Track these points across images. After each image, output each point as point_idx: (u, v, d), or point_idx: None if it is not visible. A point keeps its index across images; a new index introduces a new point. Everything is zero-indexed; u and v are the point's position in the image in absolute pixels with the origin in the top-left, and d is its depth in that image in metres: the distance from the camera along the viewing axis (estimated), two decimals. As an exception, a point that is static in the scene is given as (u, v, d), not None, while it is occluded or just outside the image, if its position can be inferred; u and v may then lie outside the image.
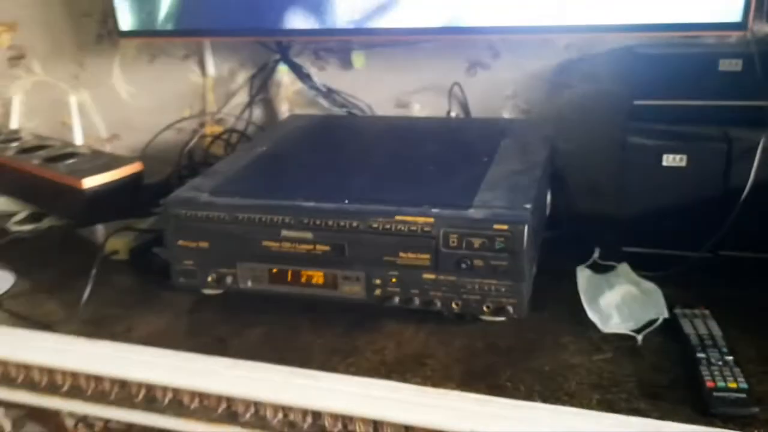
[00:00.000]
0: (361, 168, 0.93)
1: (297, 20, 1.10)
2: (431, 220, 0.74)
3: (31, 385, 0.91)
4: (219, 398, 0.81)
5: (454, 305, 0.77)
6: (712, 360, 0.72)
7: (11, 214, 1.22)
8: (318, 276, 0.80)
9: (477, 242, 0.73)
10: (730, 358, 0.72)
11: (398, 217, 0.75)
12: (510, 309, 0.75)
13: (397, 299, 0.78)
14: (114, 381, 0.86)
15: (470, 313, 0.77)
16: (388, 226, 0.75)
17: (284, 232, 0.78)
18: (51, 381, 0.89)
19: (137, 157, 1.21)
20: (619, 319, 0.82)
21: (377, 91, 1.22)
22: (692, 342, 0.75)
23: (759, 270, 0.88)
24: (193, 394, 0.82)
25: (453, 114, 1.16)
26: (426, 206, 0.75)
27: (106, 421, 0.91)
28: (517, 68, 1.13)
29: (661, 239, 0.92)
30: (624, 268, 0.90)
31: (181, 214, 0.82)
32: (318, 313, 0.85)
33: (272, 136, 1.09)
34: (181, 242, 0.83)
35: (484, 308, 0.76)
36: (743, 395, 0.67)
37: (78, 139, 1.39)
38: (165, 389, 0.83)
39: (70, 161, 1.12)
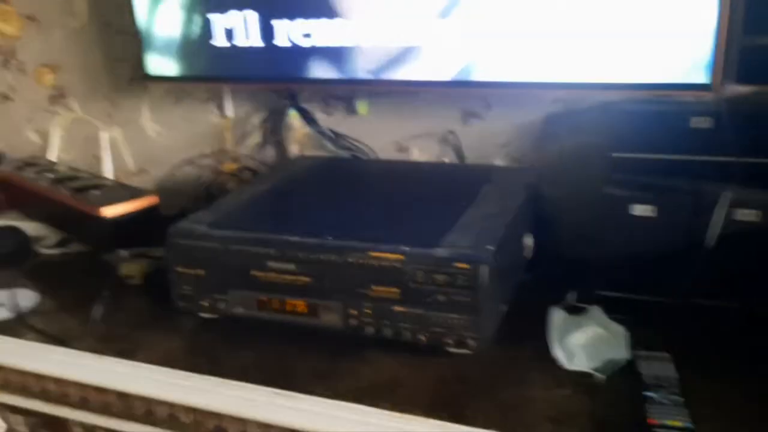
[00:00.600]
0: (350, 207, 1.01)
1: (307, 70, 1.20)
2: (401, 257, 0.81)
3: (45, 396, 1.00)
4: (210, 414, 0.88)
5: (422, 337, 0.83)
6: (661, 399, 0.77)
7: (41, 239, 1.33)
8: (301, 305, 0.88)
9: (441, 279, 0.80)
10: (680, 399, 0.77)
11: (372, 253, 0.82)
12: (471, 342, 0.81)
13: (371, 329, 0.85)
14: (118, 395, 0.94)
15: (436, 344, 0.83)
16: (362, 261, 0.83)
17: (270, 263, 0.86)
18: (62, 392, 0.98)
19: (157, 190, 1.31)
20: (584, 357, 0.87)
21: (379, 136, 1.30)
22: (645, 381, 0.80)
23: (723, 317, 0.92)
24: (188, 410, 0.89)
25: (446, 160, 1.24)
26: (398, 244, 0.83)
27: (111, 432, 0.98)
28: (508, 119, 1.20)
29: (633, 284, 0.97)
30: (595, 310, 0.95)
31: (181, 243, 0.91)
32: (304, 339, 0.92)
33: (277, 175, 1.18)
34: (180, 268, 0.92)
35: (448, 341, 0.82)
36: (684, 433, 0.72)
37: (108, 172, 1.50)
38: (163, 404, 0.91)
39: (96, 192, 1.23)
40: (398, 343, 0.87)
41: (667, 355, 0.85)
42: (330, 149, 1.33)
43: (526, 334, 0.91)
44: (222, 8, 1.22)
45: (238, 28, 1.21)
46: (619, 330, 0.90)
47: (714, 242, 0.91)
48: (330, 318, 0.86)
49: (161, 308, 1.03)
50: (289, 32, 1.18)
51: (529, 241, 1.04)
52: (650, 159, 1.00)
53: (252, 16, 1.19)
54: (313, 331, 0.90)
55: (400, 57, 1.13)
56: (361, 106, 1.30)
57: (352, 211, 0.98)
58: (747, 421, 0.75)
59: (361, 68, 1.16)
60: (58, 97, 1.56)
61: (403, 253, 0.82)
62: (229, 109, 1.41)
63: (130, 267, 1.15)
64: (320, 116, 1.33)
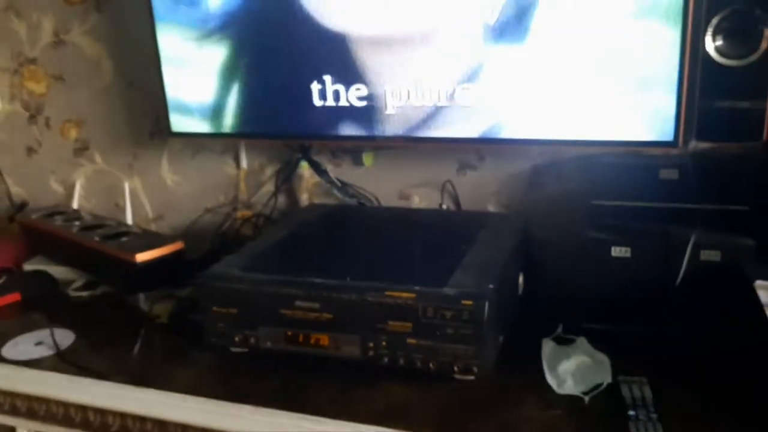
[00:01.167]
0: (363, 251, 1.13)
1: (317, 127, 1.33)
2: (413, 295, 0.94)
3: (86, 425, 1.09)
4: (241, 438, 0.98)
5: (431, 365, 0.95)
6: (640, 417, 0.89)
7: (69, 282, 1.43)
8: (324, 338, 0.99)
9: (449, 314, 0.92)
10: (655, 416, 0.89)
11: (387, 293, 0.94)
12: (475, 369, 0.93)
13: (386, 359, 0.97)
14: (155, 422, 1.04)
15: (444, 372, 0.95)
16: (379, 299, 0.95)
17: (297, 302, 0.98)
18: (103, 422, 1.08)
19: (179, 236, 1.42)
20: (572, 383, 0.98)
21: (383, 185, 1.43)
22: (627, 402, 0.92)
23: (692, 344, 1.03)
24: (220, 435, 1.00)
25: (444, 206, 1.37)
26: (410, 284, 0.95)
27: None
28: (499, 170, 1.34)
29: (613, 317, 1.09)
30: (581, 341, 1.06)
31: (217, 285, 1.02)
32: (324, 369, 1.02)
33: (293, 221, 1.31)
34: (215, 308, 1.03)
35: (455, 368, 0.94)
36: (661, 445, 0.84)
37: (129, 219, 1.62)
38: (197, 429, 1.01)
39: (125, 239, 1.34)
40: (409, 372, 0.97)
41: (645, 379, 0.96)
42: (337, 197, 1.46)
43: (522, 363, 1.02)
44: (247, 73, 1.35)
45: (260, 90, 1.35)
46: (603, 358, 1.01)
47: (682, 279, 1.05)
48: (350, 350, 0.98)
49: (188, 344, 1.13)
50: (309, 93, 1.31)
51: (521, 279, 1.17)
52: (625, 206, 1.13)
53: (274, 80, 1.33)
54: (332, 362, 1.01)
55: (406, 117, 1.27)
56: (367, 158, 1.43)
57: (365, 255, 1.10)
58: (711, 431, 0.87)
59: (369, 125, 1.29)
60: (81, 149, 1.68)
61: (415, 292, 0.94)
62: (244, 161, 1.53)
63: (158, 307, 1.26)
64: (328, 167, 1.46)
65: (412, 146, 1.35)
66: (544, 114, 1.18)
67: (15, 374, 1.12)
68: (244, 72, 1.36)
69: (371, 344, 0.97)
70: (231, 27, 1.33)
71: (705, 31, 1.05)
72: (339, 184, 1.45)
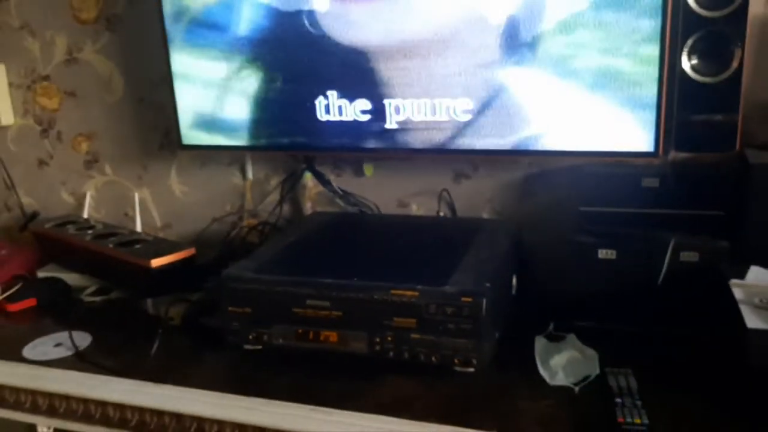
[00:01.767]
0: (368, 254, 1.21)
1: (321, 139, 1.40)
2: (417, 293, 1.01)
3: (105, 421, 1.14)
4: (254, 428, 1.04)
5: (434, 358, 1.02)
6: (626, 403, 0.96)
7: (83, 288, 1.48)
8: (333, 335, 1.06)
9: (450, 310, 0.99)
10: (640, 402, 0.96)
11: (393, 291, 1.02)
12: (474, 361, 1.00)
13: (392, 353, 1.04)
14: (172, 416, 1.10)
15: (446, 364, 1.02)
16: (385, 298, 1.02)
17: (308, 301, 1.05)
18: (122, 417, 1.13)
19: (188, 244, 1.48)
20: (563, 375, 1.05)
21: (383, 194, 1.51)
22: (614, 392, 0.99)
23: (672, 339, 1.11)
24: (234, 426, 1.05)
25: (441, 213, 1.45)
26: (414, 283, 1.02)
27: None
28: (492, 179, 1.42)
29: (600, 315, 1.16)
30: (571, 338, 1.13)
31: (233, 286, 1.09)
32: (333, 364, 1.08)
33: (300, 228, 1.38)
34: (231, 308, 1.10)
35: (456, 361, 1.01)
36: (644, 428, 0.91)
37: (138, 228, 1.67)
38: (213, 422, 1.07)
39: (138, 246, 1.41)
40: (413, 366, 1.04)
41: (630, 370, 1.03)
42: (339, 205, 1.53)
43: (517, 358, 1.09)
44: (254, 90, 1.42)
45: (268, 104, 1.42)
46: (592, 352, 1.08)
47: (663, 279, 1.13)
48: (358, 345, 1.05)
49: (201, 345, 1.19)
50: (313, 108, 1.38)
51: (514, 281, 1.25)
52: (611, 212, 1.21)
53: (280, 96, 1.40)
54: (341, 357, 1.08)
55: (406, 130, 1.35)
56: (368, 169, 1.51)
57: (370, 258, 1.18)
58: (689, 416, 0.94)
59: (370, 138, 1.37)
60: (92, 162, 1.74)
61: (418, 290, 1.01)
62: (250, 172, 1.60)
63: (171, 310, 1.32)
64: (331, 177, 1.54)
65: (411, 157, 1.42)
66: (536, 127, 1.26)
67: (36, 373, 1.17)
68: (251, 88, 1.43)
69: (378, 339, 1.04)
70: (241, 48, 1.40)
71: (681, 50, 1.14)
72: (341, 193, 1.52)
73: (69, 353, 1.21)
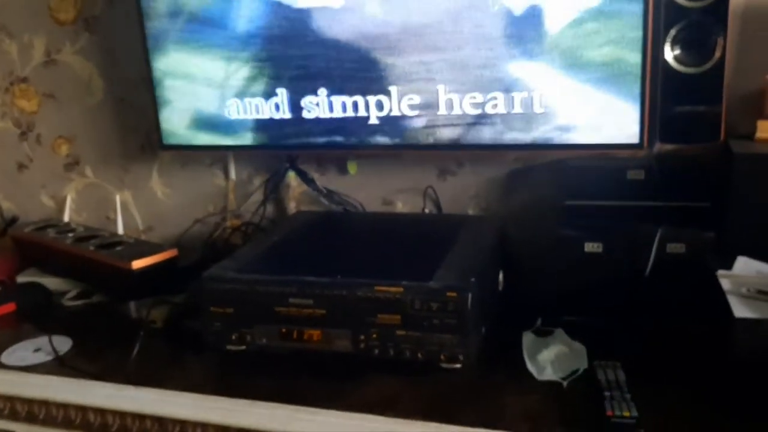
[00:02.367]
0: (352, 252, 1.19)
1: (305, 137, 1.38)
2: (401, 289, 1.00)
3: (86, 426, 1.12)
4: (238, 431, 1.03)
5: (419, 355, 1.01)
6: (615, 397, 0.95)
7: (64, 292, 1.46)
8: (317, 334, 1.04)
9: (435, 306, 0.98)
10: (629, 395, 0.95)
11: (377, 288, 1.00)
12: (460, 357, 0.99)
13: (376, 351, 1.02)
14: (154, 419, 1.08)
15: (432, 361, 1.01)
16: (368, 294, 1.00)
17: (291, 300, 1.04)
18: (103, 422, 1.11)
19: (169, 245, 1.46)
20: (551, 370, 1.04)
21: (368, 192, 1.49)
22: (602, 385, 0.98)
23: (659, 332, 1.11)
24: (217, 428, 1.04)
25: (426, 210, 1.44)
26: (398, 279, 1.01)
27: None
28: (477, 175, 1.41)
29: (588, 309, 1.15)
30: (559, 332, 1.12)
31: (214, 286, 1.07)
32: (318, 364, 1.07)
33: (283, 228, 1.36)
34: (212, 308, 1.08)
35: (442, 357, 1.00)
36: (633, 421, 0.90)
37: (120, 231, 1.65)
38: (196, 425, 1.05)
39: (119, 248, 1.39)
40: (398, 363, 1.03)
41: (618, 363, 1.02)
42: (324, 204, 1.52)
43: (504, 354, 1.08)
44: (241, 88, 1.40)
45: (250, 104, 1.41)
46: (580, 347, 1.07)
47: (650, 271, 1.12)
48: (342, 344, 1.03)
49: (184, 347, 1.17)
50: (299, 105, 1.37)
51: (501, 277, 1.24)
52: (596, 205, 1.20)
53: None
54: (325, 356, 1.06)
55: (389, 126, 1.33)
56: (351, 167, 1.49)
57: (354, 255, 1.16)
58: (679, 408, 0.94)
59: (353, 135, 1.36)
60: (72, 164, 1.72)
61: (402, 286, 1.00)
62: (232, 172, 1.59)
63: (153, 313, 1.30)
64: (315, 176, 1.52)
65: (395, 154, 1.41)
66: (520, 122, 1.25)
67: (14, 379, 1.15)
68: (232, 86, 1.41)
69: (362, 337, 1.02)
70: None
71: (664, 41, 1.14)
72: (325, 192, 1.51)
73: (49, 358, 1.19)
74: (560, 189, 1.25)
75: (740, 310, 0.93)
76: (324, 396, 1.01)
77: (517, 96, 1.24)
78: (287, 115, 1.38)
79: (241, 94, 1.41)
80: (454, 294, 0.97)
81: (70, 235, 1.50)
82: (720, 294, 0.99)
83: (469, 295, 0.97)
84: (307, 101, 1.36)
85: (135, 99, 1.59)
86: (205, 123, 1.45)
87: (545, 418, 0.94)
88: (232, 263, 1.14)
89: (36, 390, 1.14)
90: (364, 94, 1.32)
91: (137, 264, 1.30)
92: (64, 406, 1.13)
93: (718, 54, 1.11)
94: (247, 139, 1.44)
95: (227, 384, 1.07)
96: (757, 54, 1.21)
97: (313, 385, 1.04)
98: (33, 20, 1.63)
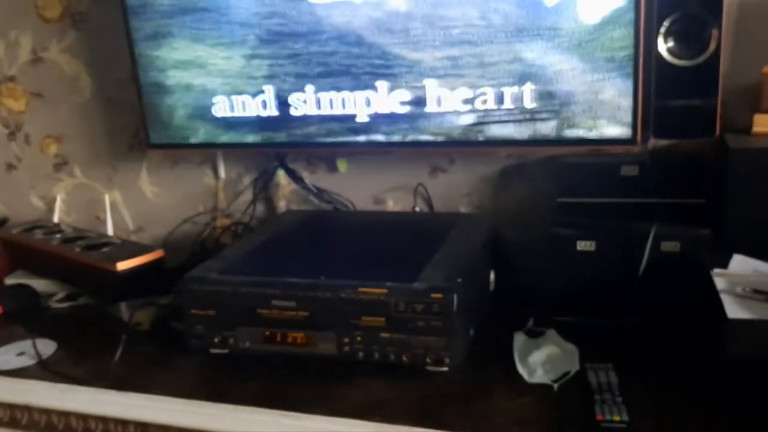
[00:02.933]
0: (339, 252, 1.17)
1: (294, 135, 1.36)
2: (385, 291, 0.97)
3: (69, 431, 1.11)
4: (222, 436, 1.01)
5: (405, 358, 0.98)
6: (605, 400, 0.92)
7: (51, 294, 1.44)
8: (300, 337, 1.02)
9: (419, 307, 0.95)
10: (620, 398, 0.93)
11: (360, 289, 0.98)
12: (447, 360, 0.96)
13: (361, 354, 1.00)
14: (137, 425, 1.06)
15: (417, 364, 0.98)
16: (352, 296, 0.98)
17: (274, 302, 1.01)
18: (86, 427, 1.10)
19: (160, 246, 1.44)
20: (542, 372, 1.02)
21: (358, 190, 1.47)
22: (593, 387, 0.96)
23: (652, 332, 1.08)
24: (201, 434, 1.02)
25: (417, 209, 1.41)
26: (382, 281, 0.98)
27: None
28: (469, 172, 1.39)
29: (580, 309, 1.13)
30: (551, 333, 1.10)
31: (195, 288, 1.05)
32: (302, 367, 1.05)
33: (271, 228, 1.34)
34: (194, 311, 1.06)
35: (428, 360, 0.97)
36: (623, 425, 0.88)
37: (109, 231, 1.63)
38: (178, 430, 1.03)
39: (105, 249, 1.37)
40: (384, 367, 1.01)
41: (610, 365, 1.00)
42: (314, 203, 1.49)
43: (494, 355, 1.06)
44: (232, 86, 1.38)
45: (240, 101, 1.38)
46: (572, 348, 1.05)
47: (644, 269, 1.09)
48: (326, 347, 1.01)
49: (170, 350, 1.15)
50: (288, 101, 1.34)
51: (492, 276, 1.21)
52: (589, 202, 1.18)
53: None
54: (310, 360, 1.04)
55: (379, 123, 1.31)
56: (341, 164, 1.47)
57: (340, 255, 1.14)
58: (671, 411, 0.91)
59: (343, 132, 1.33)
60: (61, 164, 1.70)
61: (387, 287, 0.97)
62: (222, 171, 1.56)
63: (139, 315, 1.28)
64: (304, 174, 1.50)
65: (386, 151, 1.39)
66: (512, 118, 1.22)
67: (-3, 384, 1.14)
68: (219, 83, 1.39)
69: (346, 340, 1.00)
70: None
71: (657, 33, 1.10)
72: (315, 191, 1.48)
73: (32, 362, 1.18)
74: (553, 186, 1.23)
75: (734, 310, 0.90)
76: (309, 400, 0.99)
77: (507, 91, 1.21)
78: (275, 113, 1.36)
79: (229, 92, 1.38)
80: (439, 295, 0.95)
81: (58, 236, 1.48)
82: (714, 293, 0.96)
83: (455, 297, 0.94)
84: (294, 98, 1.33)
85: (123, 97, 1.57)
86: (193, 121, 1.42)
87: (534, 422, 0.92)
88: (216, 264, 1.12)
89: (18, 395, 1.12)
90: (353, 90, 1.29)
91: (122, 265, 1.28)
92: (47, 412, 1.12)
93: (713, 46, 1.08)
94: (235, 137, 1.41)
95: (211, 387, 1.05)
96: (753, 46, 1.17)
97: (297, 389, 1.02)
98: (19, 18, 1.61)
